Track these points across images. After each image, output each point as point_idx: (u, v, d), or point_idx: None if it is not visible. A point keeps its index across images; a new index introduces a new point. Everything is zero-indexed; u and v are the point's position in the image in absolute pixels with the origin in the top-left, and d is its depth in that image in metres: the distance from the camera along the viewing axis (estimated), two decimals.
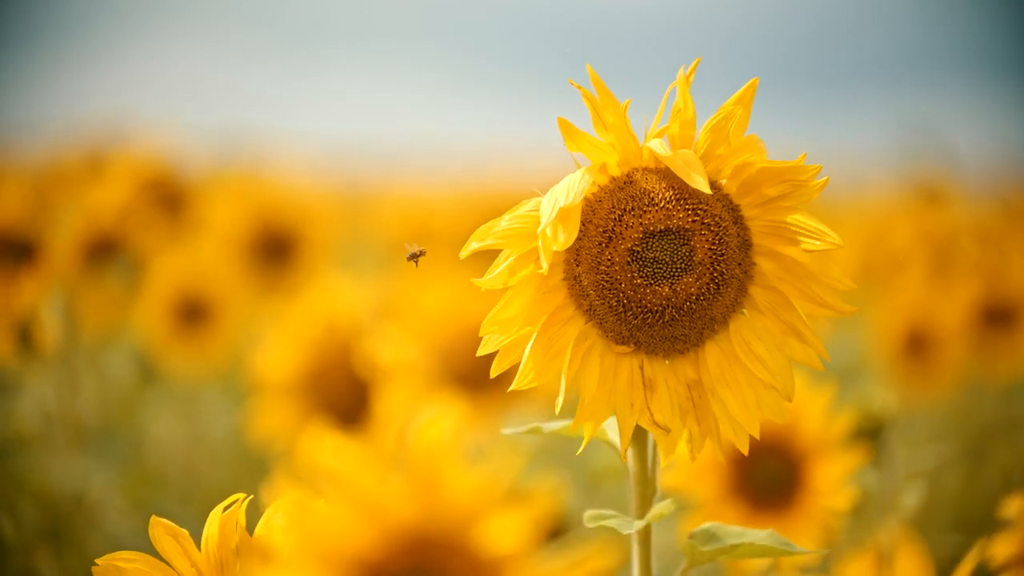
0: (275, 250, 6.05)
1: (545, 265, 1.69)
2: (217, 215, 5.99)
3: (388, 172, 14.18)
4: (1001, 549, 2.25)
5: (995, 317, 5.51)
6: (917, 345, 5.41)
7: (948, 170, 8.53)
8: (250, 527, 1.73)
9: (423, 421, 1.37)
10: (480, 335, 1.76)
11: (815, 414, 2.89)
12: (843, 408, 2.99)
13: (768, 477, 2.90)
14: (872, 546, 2.23)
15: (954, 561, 2.21)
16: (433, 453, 1.37)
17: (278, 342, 4.35)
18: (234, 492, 1.75)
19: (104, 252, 5.10)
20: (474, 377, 4.37)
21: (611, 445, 1.84)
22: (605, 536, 1.80)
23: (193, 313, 5.48)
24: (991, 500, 2.36)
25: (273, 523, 1.71)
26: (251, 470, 5.29)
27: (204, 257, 5.58)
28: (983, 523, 2.42)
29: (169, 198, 5.87)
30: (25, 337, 3.71)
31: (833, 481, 2.86)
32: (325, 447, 1.38)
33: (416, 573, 1.38)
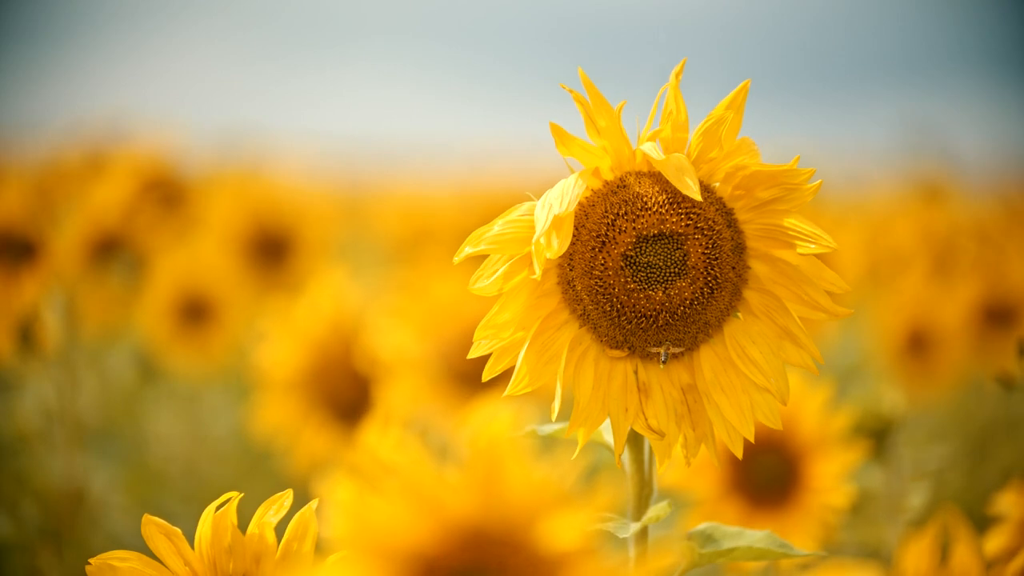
0: (275, 249, 6.05)
1: (538, 271, 1.69)
2: (218, 214, 6.00)
3: (389, 171, 14.18)
4: (995, 542, 2.25)
5: (995, 316, 5.51)
6: (918, 344, 5.42)
7: (949, 169, 8.53)
8: (244, 525, 1.74)
9: (482, 416, 1.37)
10: (475, 339, 1.75)
11: (813, 412, 2.89)
12: (848, 407, 2.99)
13: (767, 475, 2.91)
14: (930, 530, 2.22)
15: None
16: (494, 448, 1.37)
17: (282, 339, 4.35)
18: (236, 490, 1.76)
19: (105, 251, 5.11)
20: (473, 375, 4.37)
21: (607, 447, 1.83)
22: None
23: (194, 311, 5.49)
24: (992, 498, 2.36)
25: (265, 521, 1.72)
26: (253, 468, 5.30)
27: (205, 256, 5.58)
28: (984, 521, 2.43)
29: (170, 197, 5.88)
30: (26, 336, 3.71)
31: (831, 478, 2.86)
32: (380, 442, 1.38)
33: (474, 568, 1.37)
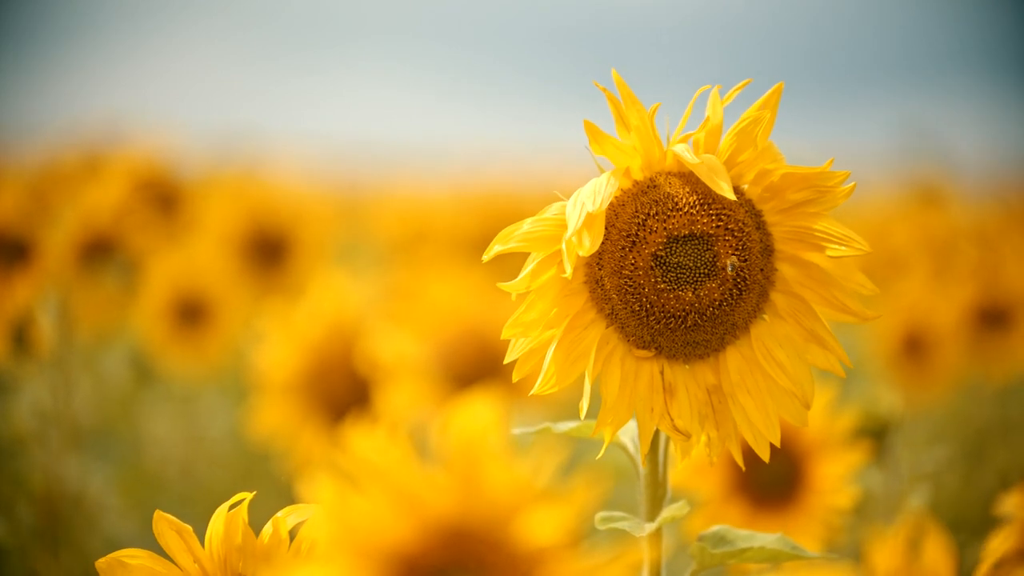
0: (272, 251, 6.05)
1: (569, 269, 1.69)
2: (214, 215, 5.99)
3: (388, 173, 14.19)
4: (999, 545, 2.24)
5: (991, 319, 5.51)
6: (915, 346, 5.42)
7: (947, 172, 8.54)
8: (253, 526, 1.73)
9: (463, 414, 1.37)
10: (503, 337, 1.75)
11: (817, 413, 2.89)
12: (847, 408, 2.99)
13: (770, 475, 2.90)
14: (901, 531, 2.22)
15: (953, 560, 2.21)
16: (474, 446, 1.37)
17: (280, 341, 4.34)
18: (233, 492, 1.75)
19: (100, 252, 5.10)
20: (473, 377, 4.36)
21: (622, 447, 1.84)
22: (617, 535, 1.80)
23: (190, 313, 5.48)
24: (989, 500, 2.35)
25: (280, 521, 1.71)
26: (250, 469, 5.29)
27: (200, 257, 5.58)
28: (981, 523, 2.42)
29: (165, 198, 5.87)
30: (21, 337, 3.71)
31: (835, 480, 2.86)
32: (363, 441, 1.38)
33: (454, 566, 1.38)
